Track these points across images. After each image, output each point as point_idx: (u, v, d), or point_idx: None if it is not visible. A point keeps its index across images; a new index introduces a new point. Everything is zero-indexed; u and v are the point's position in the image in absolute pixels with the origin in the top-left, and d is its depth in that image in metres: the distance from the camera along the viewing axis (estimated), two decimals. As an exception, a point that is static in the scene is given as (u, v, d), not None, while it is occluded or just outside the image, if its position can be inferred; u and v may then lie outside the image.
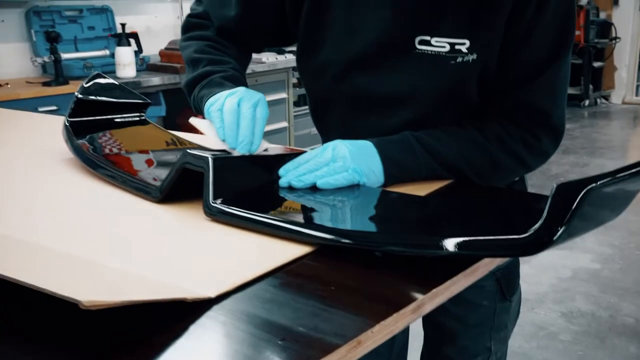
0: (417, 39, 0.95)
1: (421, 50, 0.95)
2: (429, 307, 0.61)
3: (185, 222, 0.80)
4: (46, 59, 3.12)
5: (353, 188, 0.88)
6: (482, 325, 1.16)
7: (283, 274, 0.66)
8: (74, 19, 3.49)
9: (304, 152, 0.94)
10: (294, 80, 4.17)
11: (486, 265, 0.69)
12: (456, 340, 1.18)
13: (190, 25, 1.18)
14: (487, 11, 0.91)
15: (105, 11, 3.61)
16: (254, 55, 4.21)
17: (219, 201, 0.80)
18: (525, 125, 0.97)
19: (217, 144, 0.94)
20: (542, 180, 4.07)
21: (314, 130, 4.26)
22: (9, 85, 3.03)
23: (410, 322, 0.59)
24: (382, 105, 1.01)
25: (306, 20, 1.05)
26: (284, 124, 4.09)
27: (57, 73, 3.08)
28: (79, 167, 1.04)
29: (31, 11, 3.29)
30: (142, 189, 0.89)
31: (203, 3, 1.17)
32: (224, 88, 1.00)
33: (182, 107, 3.64)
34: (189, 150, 0.84)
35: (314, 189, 0.87)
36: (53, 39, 3.09)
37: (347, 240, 0.70)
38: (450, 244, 0.65)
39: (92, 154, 1.03)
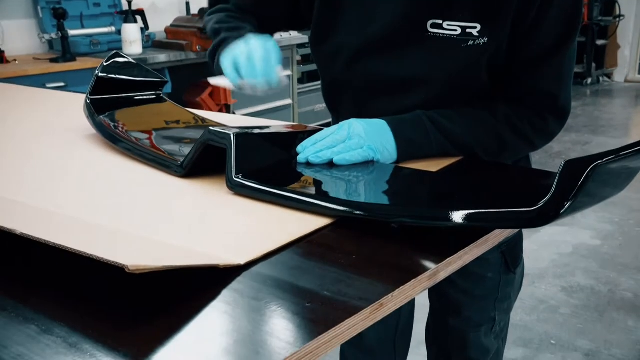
0: (430, 22, 0.98)
1: (433, 33, 0.99)
2: (443, 275, 0.66)
3: (208, 195, 0.85)
4: (53, 35, 3.15)
5: (367, 164, 0.92)
6: (487, 296, 1.21)
7: (305, 244, 0.70)
8: (80, -5, 3.50)
9: (320, 129, 0.98)
10: (298, 58, 4.19)
11: (496, 237, 0.74)
12: (461, 311, 1.23)
13: (214, 3, 1.23)
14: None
15: (111, -12, 3.62)
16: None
17: (240, 176, 0.84)
18: (533, 107, 1.00)
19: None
20: (544, 158, 4.11)
21: (318, 107, 4.25)
22: (16, 62, 3.06)
23: (426, 288, 0.64)
24: (394, 88, 1.04)
25: (320, 5, 1.08)
26: (288, 101, 4.12)
27: (64, 50, 3.10)
28: (101, 142, 1.09)
29: (38, -12, 3.31)
30: (165, 164, 0.94)
31: None
32: None
33: (188, 84, 3.67)
34: (211, 128, 0.88)
35: (330, 165, 0.91)
36: (60, 16, 3.11)
37: (363, 212, 0.75)
38: (462, 216, 0.69)
39: (113, 130, 1.07)
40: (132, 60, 1.25)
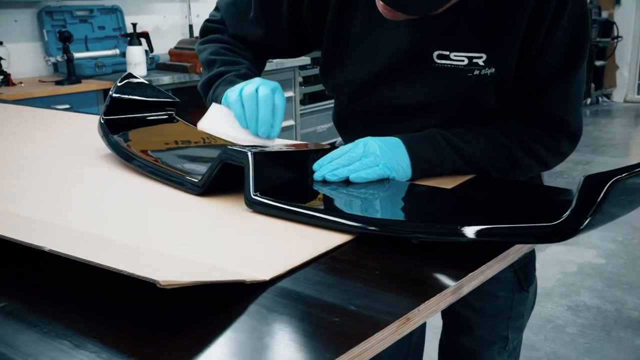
0: (436, 53, 1.00)
1: (440, 64, 1.00)
2: (466, 290, 0.66)
3: (227, 213, 0.85)
4: (59, 58, 3.17)
5: (383, 182, 0.93)
6: (500, 315, 1.21)
7: (328, 260, 0.71)
8: (84, 18, 3.54)
9: (334, 147, 0.98)
10: (300, 79, 4.22)
11: (516, 252, 0.74)
12: (474, 329, 1.23)
13: (207, 30, 1.23)
14: (502, 27, 0.96)
15: (115, 11, 3.66)
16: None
17: (258, 193, 0.85)
18: (544, 129, 1.02)
19: (235, 136, 0.97)
20: (547, 177, 4.12)
21: (320, 128, 4.27)
22: (22, 84, 3.08)
23: (450, 302, 0.64)
24: (403, 114, 1.06)
25: (328, 39, 1.11)
26: (291, 122, 4.14)
27: (69, 72, 3.12)
28: (116, 162, 1.09)
29: (43, 11, 3.34)
30: (183, 183, 0.94)
31: (221, 10, 1.22)
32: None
33: (192, 106, 3.69)
34: (229, 147, 0.89)
35: (346, 182, 0.92)
36: (66, 39, 3.14)
37: (382, 229, 0.75)
38: (483, 231, 0.70)
39: (128, 149, 1.08)
40: (145, 81, 1.26)
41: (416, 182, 0.95)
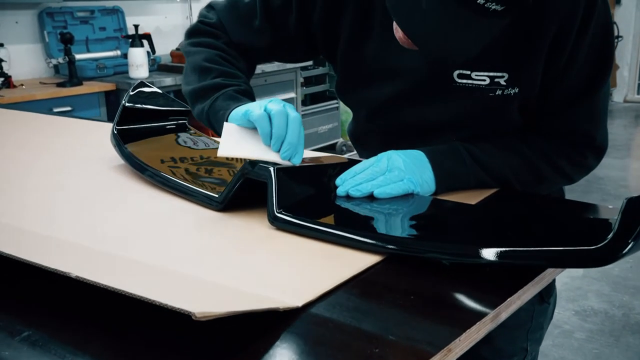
0: (456, 73, 0.98)
1: (461, 83, 0.98)
2: (504, 316, 0.64)
3: (249, 230, 0.83)
4: (60, 60, 3.14)
5: (407, 197, 0.91)
6: (520, 327, 1.19)
7: (359, 283, 0.69)
8: (85, 20, 3.51)
9: (357, 161, 0.96)
10: (302, 80, 4.21)
11: (551, 274, 0.72)
12: (493, 341, 1.21)
13: (200, 31, 1.15)
14: (525, 45, 0.94)
15: (116, 12, 3.63)
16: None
17: (282, 210, 0.83)
18: (570, 144, 1.00)
19: (251, 151, 0.91)
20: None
21: (322, 128, 4.24)
22: (23, 86, 3.05)
23: (489, 330, 0.62)
24: (424, 133, 1.04)
25: (343, 60, 1.08)
26: (293, 124, 4.11)
27: (70, 74, 3.10)
28: (128, 174, 1.07)
29: (44, 13, 3.31)
30: (202, 198, 0.92)
31: (217, 11, 1.16)
32: (240, 102, 0.99)
33: (193, 107, 3.67)
34: (250, 161, 0.87)
35: (370, 198, 0.90)
36: (67, 40, 3.11)
37: (412, 250, 0.74)
38: (518, 255, 0.68)
39: (143, 161, 1.05)
40: (158, 90, 1.24)
41: (439, 197, 0.93)
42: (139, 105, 1.20)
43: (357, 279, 0.69)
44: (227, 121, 0.94)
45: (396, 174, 0.91)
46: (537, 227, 0.81)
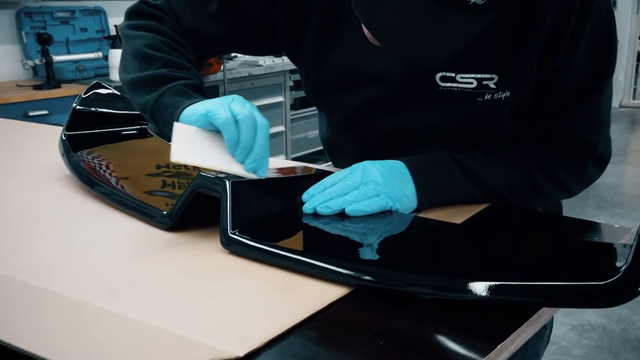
0: (439, 75, 0.86)
1: (445, 87, 0.87)
2: (494, 366, 0.53)
3: (199, 255, 0.71)
4: (37, 61, 3.02)
5: (385, 214, 0.79)
6: (514, 357, 1.07)
7: (319, 323, 0.57)
8: (65, 20, 3.39)
9: (328, 173, 0.85)
10: (291, 84, 4.09)
11: (550, 310, 0.61)
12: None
13: (142, 13, 1.00)
14: (516, 42, 0.83)
15: (98, 12, 3.51)
16: (250, 58, 4.03)
17: (237, 231, 0.71)
18: (569, 153, 0.89)
19: (218, 167, 0.77)
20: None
21: (311, 133, 4.11)
22: (-2, 89, 2.93)
23: (475, 386, 0.51)
24: (405, 143, 0.92)
25: (309, 65, 0.97)
26: (281, 128, 4.00)
27: (48, 76, 2.98)
28: (76, 185, 0.95)
29: (22, 12, 3.19)
30: (149, 214, 0.80)
31: None
32: (191, 98, 0.85)
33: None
34: (203, 173, 0.75)
35: (341, 215, 0.78)
36: (45, 41, 2.99)
37: (384, 282, 0.62)
38: (511, 289, 0.56)
39: (91, 172, 0.93)
40: (115, 91, 1.12)
41: (422, 215, 0.82)
42: (93, 109, 1.08)
43: (318, 317, 0.58)
44: (177, 121, 0.82)
45: (372, 187, 0.79)
46: (533, 253, 0.69)
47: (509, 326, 0.56)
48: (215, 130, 0.78)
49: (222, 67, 3.44)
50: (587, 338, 2.34)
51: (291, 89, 4.11)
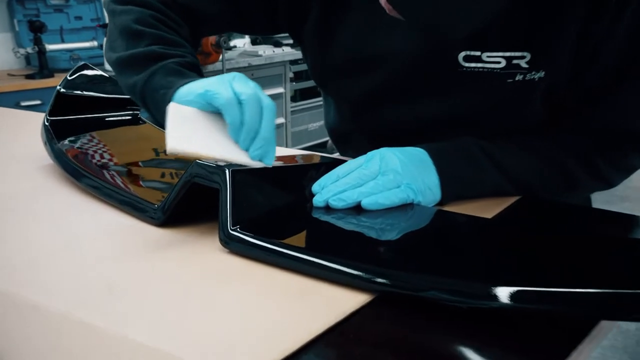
0: (462, 54, 0.77)
1: (469, 68, 0.77)
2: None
3: (195, 256, 0.62)
4: (29, 50, 2.93)
5: (405, 208, 0.70)
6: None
7: (335, 340, 0.47)
8: (59, 8, 3.29)
9: (341, 161, 0.75)
10: (291, 75, 3.99)
11: (611, 324, 0.52)
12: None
13: None
14: (552, 13, 0.73)
15: (93, 0, 3.41)
16: (250, 48, 3.91)
17: (238, 227, 0.61)
18: (608, 141, 0.78)
19: (221, 156, 0.67)
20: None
21: (312, 126, 3.98)
22: (-11, 78, 2.83)
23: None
24: (421, 132, 0.82)
25: (314, 44, 0.87)
26: (281, 120, 3.91)
27: (41, 65, 2.89)
28: (60, 176, 0.86)
29: (14, 0, 3.09)
30: (139, 208, 0.71)
31: None
32: (186, 77, 0.76)
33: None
34: (199, 161, 0.65)
35: (357, 209, 0.69)
36: (37, 29, 2.90)
37: (413, 292, 0.53)
38: (570, 299, 0.47)
39: (76, 161, 0.84)
40: (104, 73, 1.03)
41: (445, 209, 0.73)
42: (79, 92, 0.99)
43: (336, 330, 0.48)
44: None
45: (391, 178, 0.70)
46: (583, 253, 0.59)
47: (565, 344, 0.46)
48: (215, 112, 0.69)
49: (220, 56, 3.34)
50: (600, 337, 2.25)
51: (291, 80, 4.02)
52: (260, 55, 3.65)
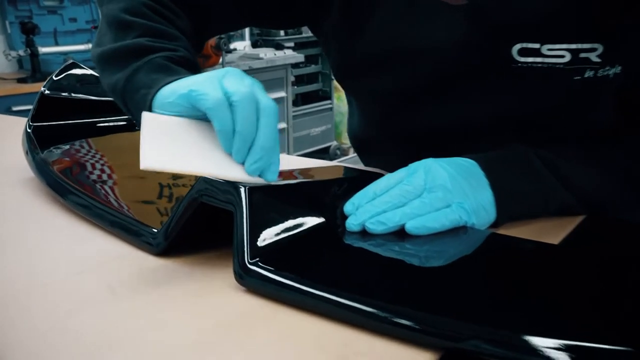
0: (517, 47, 0.65)
1: (525, 63, 0.65)
2: None
3: (204, 296, 0.50)
4: (21, 52, 2.82)
5: (457, 232, 0.58)
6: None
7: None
8: (53, 9, 3.18)
9: (376, 174, 0.63)
10: (292, 79, 3.87)
11: None
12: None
13: None
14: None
15: (88, 2, 3.29)
16: (250, 50, 3.80)
17: (258, 260, 0.49)
18: None
19: (194, 162, 0.55)
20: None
21: (314, 131, 3.86)
22: (-22, 82, 2.71)
23: None
24: (464, 139, 0.70)
25: (337, 37, 0.75)
26: (283, 125, 3.79)
27: (33, 68, 2.79)
28: (42, 192, 0.74)
29: (5, 1, 2.98)
30: (134, 232, 0.59)
31: None
32: (173, 74, 0.64)
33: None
34: (206, 178, 0.53)
35: (400, 234, 0.57)
36: (29, 31, 2.79)
37: (491, 352, 0.40)
38: None
39: (61, 174, 0.72)
40: (94, 73, 0.91)
41: (499, 231, 0.61)
42: (66, 94, 0.87)
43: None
44: (150, 107, 0.60)
45: (439, 195, 0.58)
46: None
47: None
48: (202, 118, 0.57)
49: (220, 59, 3.22)
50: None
51: (293, 84, 3.90)
52: (262, 58, 3.53)
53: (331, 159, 3.92)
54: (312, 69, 4.14)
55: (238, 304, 0.48)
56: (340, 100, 4.24)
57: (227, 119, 0.53)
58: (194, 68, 0.69)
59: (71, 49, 3.09)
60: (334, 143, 4.29)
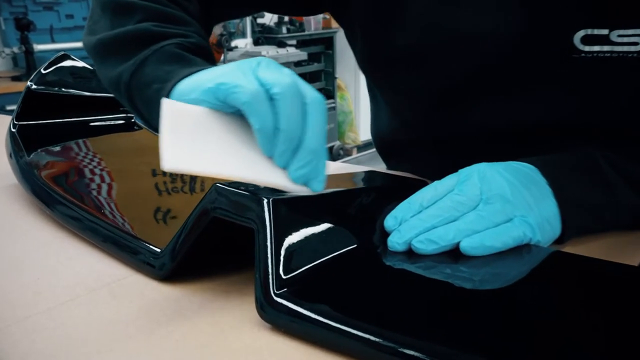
0: (579, 35, 0.55)
1: (590, 52, 0.56)
2: None
3: (219, 334, 0.40)
4: (16, 49, 2.73)
5: (520, 251, 0.48)
6: None
7: None
8: (49, 5, 3.10)
9: (420, 182, 0.54)
10: (296, 77, 3.78)
11: None
12: None
13: None
14: None
15: (86, -3, 3.21)
16: (252, 48, 3.73)
17: (286, 291, 0.40)
18: None
19: (227, 165, 0.45)
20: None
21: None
22: (-29, 80, 2.63)
23: None
24: (514, 143, 0.61)
25: (367, 23, 0.66)
26: (286, 125, 3.69)
27: (28, 66, 2.72)
28: (27, 201, 0.64)
29: (-1, -4, 2.89)
30: (133, 251, 0.49)
31: None
32: (191, 65, 0.55)
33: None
34: (220, 184, 0.44)
35: (453, 254, 0.47)
36: (24, 27, 2.72)
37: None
38: None
39: (49, 181, 0.62)
40: (88, 66, 0.81)
41: (566, 250, 0.51)
42: (56, 90, 0.77)
43: None
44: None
45: (498, 207, 0.48)
46: None
47: None
48: (234, 113, 0.47)
49: (222, 57, 3.13)
50: None
51: (296, 82, 3.81)
52: (264, 56, 3.44)
53: (334, 160, 3.83)
54: (315, 67, 4.04)
55: (262, 345, 0.38)
56: (343, 100, 4.15)
57: (268, 116, 0.44)
58: (210, 58, 0.59)
59: (68, 47, 3.00)
60: (337, 143, 4.20)
